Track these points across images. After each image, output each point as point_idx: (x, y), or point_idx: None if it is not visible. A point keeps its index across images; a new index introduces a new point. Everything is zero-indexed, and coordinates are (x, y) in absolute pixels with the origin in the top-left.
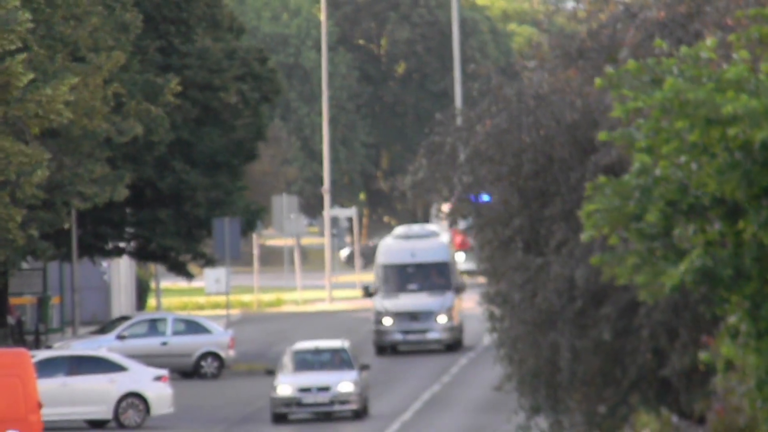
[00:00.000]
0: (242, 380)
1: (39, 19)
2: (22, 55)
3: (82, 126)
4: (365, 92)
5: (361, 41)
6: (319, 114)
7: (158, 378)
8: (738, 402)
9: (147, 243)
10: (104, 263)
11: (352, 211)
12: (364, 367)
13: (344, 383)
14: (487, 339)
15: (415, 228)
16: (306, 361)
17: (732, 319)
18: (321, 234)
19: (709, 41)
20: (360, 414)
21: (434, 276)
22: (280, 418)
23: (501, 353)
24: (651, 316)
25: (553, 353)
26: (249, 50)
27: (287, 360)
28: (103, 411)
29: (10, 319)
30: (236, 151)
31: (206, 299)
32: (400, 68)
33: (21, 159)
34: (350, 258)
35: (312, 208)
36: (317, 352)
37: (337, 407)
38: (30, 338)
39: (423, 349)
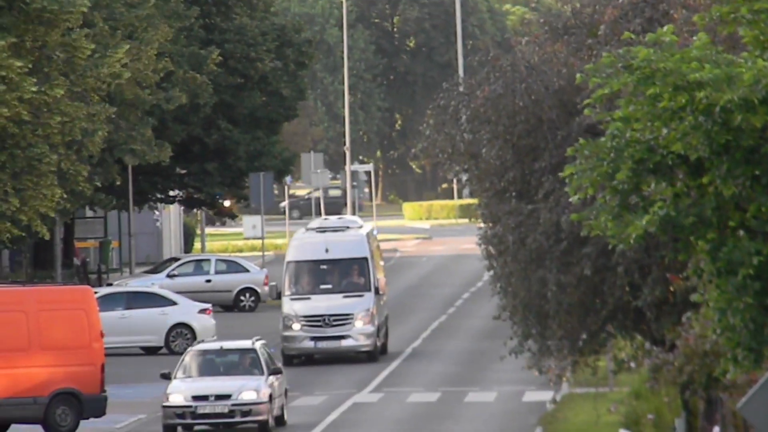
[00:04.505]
0: (275, 312)
1: (100, 4)
2: (86, 30)
3: (135, 93)
4: (380, 64)
5: (376, 19)
6: (341, 83)
7: (203, 311)
8: (703, 331)
9: (196, 192)
10: (156, 212)
11: (370, 167)
12: (275, 372)
13: (248, 391)
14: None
15: (332, 219)
16: (209, 364)
17: (696, 261)
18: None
19: (666, 27)
20: (266, 428)
21: (351, 274)
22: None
23: (497, 287)
24: (626, 255)
25: (542, 287)
26: (286, 24)
27: (188, 361)
28: (156, 339)
29: (76, 261)
30: (277, 106)
31: (244, 243)
32: (411, 43)
33: (85, 123)
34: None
35: (335, 164)
36: (222, 353)
37: (238, 418)
38: (93, 277)
39: (339, 358)
